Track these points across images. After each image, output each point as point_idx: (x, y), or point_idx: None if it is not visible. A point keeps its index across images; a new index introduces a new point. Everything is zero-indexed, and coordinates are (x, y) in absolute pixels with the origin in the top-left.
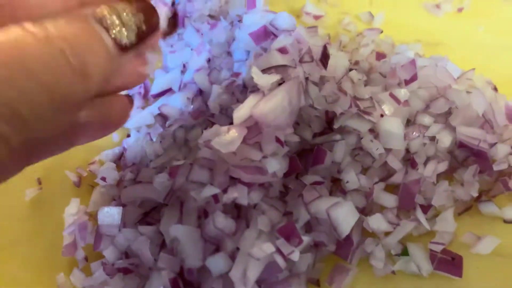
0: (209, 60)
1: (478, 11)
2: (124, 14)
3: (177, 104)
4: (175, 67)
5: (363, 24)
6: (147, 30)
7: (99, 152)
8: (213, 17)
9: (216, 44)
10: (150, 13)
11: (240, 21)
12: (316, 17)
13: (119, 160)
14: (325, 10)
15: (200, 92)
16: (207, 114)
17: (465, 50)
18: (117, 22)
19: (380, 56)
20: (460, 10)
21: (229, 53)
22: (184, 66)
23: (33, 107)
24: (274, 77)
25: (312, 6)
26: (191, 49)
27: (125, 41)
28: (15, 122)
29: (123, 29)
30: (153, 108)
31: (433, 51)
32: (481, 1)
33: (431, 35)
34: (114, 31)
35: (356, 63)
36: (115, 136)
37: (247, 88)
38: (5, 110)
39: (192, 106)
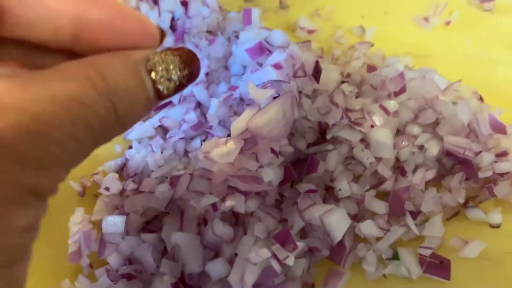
0: (207, 74)
1: (465, 24)
2: (172, 67)
3: (177, 117)
4: None
5: (355, 38)
6: (186, 83)
7: (102, 163)
8: (211, 33)
9: (214, 59)
10: (194, 67)
11: (236, 37)
12: (310, 32)
13: (121, 170)
14: (319, 24)
15: (199, 104)
16: (206, 126)
17: (453, 62)
18: (164, 74)
19: (371, 68)
20: (448, 23)
21: (226, 67)
22: None
23: (83, 154)
24: (269, 91)
25: (306, 21)
26: None
27: (165, 92)
28: (69, 169)
29: (167, 81)
30: (154, 121)
31: (423, 63)
32: (468, 15)
33: (420, 47)
34: (159, 84)
35: (348, 75)
36: (117, 147)
37: (244, 101)
38: (68, 164)
39: (191, 118)
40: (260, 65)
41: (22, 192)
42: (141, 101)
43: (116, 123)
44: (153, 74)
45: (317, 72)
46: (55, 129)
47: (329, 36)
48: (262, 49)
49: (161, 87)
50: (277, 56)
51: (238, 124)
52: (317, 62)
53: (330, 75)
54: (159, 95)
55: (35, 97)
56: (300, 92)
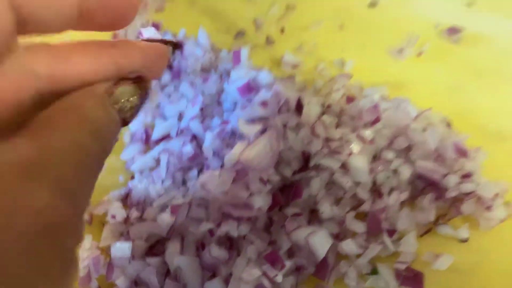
0: (202, 109)
1: (435, 55)
2: (131, 96)
3: (175, 149)
4: (172, 115)
5: (336, 70)
6: (142, 105)
7: (108, 192)
8: (205, 70)
9: (208, 95)
10: (147, 90)
11: (228, 74)
12: (294, 66)
13: (125, 199)
14: (302, 58)
15: (194, 137)
16: (202, 157)
17: (425, 90)
18: (126, 105)
19: (349, 99)
20: (419, 54)
21: (219, 103)
22: (180, 114)
23: (92, 192)
24: (257, 127)
25: (291, 57)
26: (187, 100)
27: (129, 119)
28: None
29: (130, 110)
30: (154, 153)
31: (398, 91)
32: (438, 46)
33: (395, 77)
34: (123, 113)
35: (329, 106)
36: (121, 178)
37: (235, 134)
38: (87, 206)
39: (188, 150)
40: (250, 100)
41: (73, 252)
42: (114, 131)
43: (104, 156)
44: (117, 105)
45: (299, 107)
46: (75, 179)
47: (312, 68)
48: (250, 88)
49: (125, 115)
50: (264, 95)
51: (230, 157)
52: (299, 99)
53: (312, 108)
54: (124, 122)
55: (52, 154)
56: (284, 126)
